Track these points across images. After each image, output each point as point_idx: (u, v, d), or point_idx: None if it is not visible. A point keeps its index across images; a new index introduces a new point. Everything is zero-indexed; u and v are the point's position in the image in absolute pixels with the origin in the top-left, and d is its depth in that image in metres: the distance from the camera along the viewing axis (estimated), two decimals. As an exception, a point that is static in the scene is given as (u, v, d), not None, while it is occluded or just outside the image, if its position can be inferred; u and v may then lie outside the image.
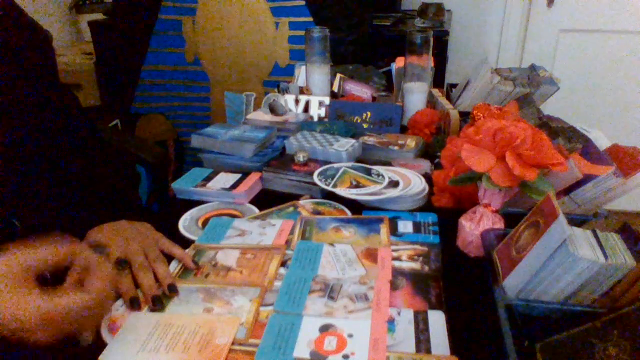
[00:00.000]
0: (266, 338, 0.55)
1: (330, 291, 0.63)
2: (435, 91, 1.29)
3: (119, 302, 0.63)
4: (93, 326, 0.55)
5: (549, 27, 2.34)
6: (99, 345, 0.56)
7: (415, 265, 0.69)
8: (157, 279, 0.64)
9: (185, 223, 0.83)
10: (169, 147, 2.12)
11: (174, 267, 0.70)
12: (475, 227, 0.71)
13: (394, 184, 0.87)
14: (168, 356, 0.53)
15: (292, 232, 0.78)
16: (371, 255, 0.71)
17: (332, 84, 1.37)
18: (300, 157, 0.96)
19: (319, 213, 0.85)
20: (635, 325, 0.45)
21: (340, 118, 1.22)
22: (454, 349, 0.53)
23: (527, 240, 0.58)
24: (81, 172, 0.81)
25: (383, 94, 1.41)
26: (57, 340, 0.48)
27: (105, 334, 0.57)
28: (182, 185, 0.93)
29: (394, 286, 0.64)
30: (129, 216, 0.75)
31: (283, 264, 0.70)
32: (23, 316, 0.45)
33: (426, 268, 0.69)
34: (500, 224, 0.70)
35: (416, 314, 0.59)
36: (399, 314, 0.59)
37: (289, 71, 1.81)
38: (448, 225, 0.78)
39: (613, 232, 0.57)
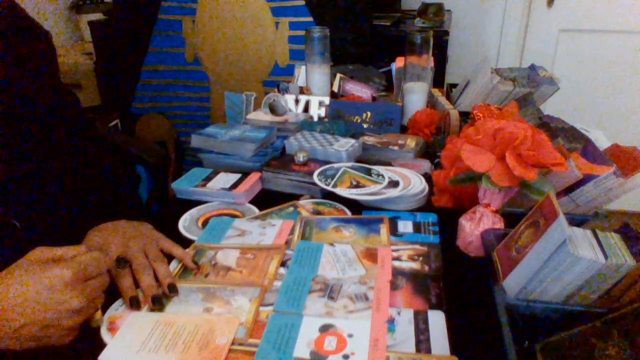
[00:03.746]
0: (266, 338, 0.55)
1: (330, 291, 0.63)
2: (435, 91, 1.29)
3: (119, 302, 0.63)
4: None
5: (549, 27, 2.34)
6: (99, 345, 0.56)
7: (415, 265, 0.69)
8: (157, 279, 0.64)
9: (185, 223, 0.83)
10: (169, 147, 2.12)
11: (174, 267, 0.69)
12: (475, 227, 0.71)
13: (394, 184, 0.87)
14: (168, 356, 0.53)
15: (292, 232, 0.78)
16: (371, 255, 0.71)
17: (332, 84, 1.37)
18: (300, 157, 0.96)
19: (319, 213, 0.85)
20: (635, 325, 0.45)
21: (340, 118, 1.22)
22: (454, 349, 0.53)
23: (527, 240, 0.58)
24: (81, 172, 0.81)
25: (383, 94, 1.41)
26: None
27: (105, 334, 0.57)
28: (182, 185, 0.93)
29: (394, 286, 0.64)
30: (129, 216, 0.75)
31: (283, 264, 0.70)
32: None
33: (426, 268, 0.69)
34: (500, 224, 0.70)
35: (416, 314, 0.59)
36: (399, 314, 0.59)
37: (289, 71, 1.81)
38: (448, 225, 0.78)
39: (613, 232, 0.57)
